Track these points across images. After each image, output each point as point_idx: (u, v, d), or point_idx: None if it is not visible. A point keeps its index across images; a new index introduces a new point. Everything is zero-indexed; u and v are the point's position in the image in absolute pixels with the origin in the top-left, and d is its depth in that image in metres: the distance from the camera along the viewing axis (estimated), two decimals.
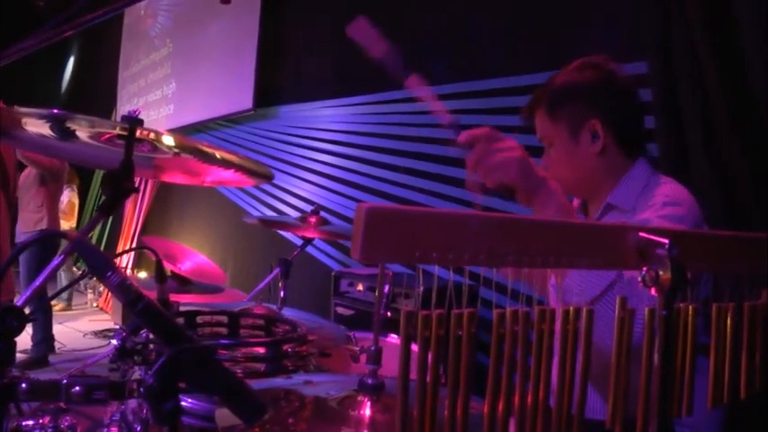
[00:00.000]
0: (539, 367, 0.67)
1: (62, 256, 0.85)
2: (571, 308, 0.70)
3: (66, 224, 6.72)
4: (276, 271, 2.28)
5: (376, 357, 0.81)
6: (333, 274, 3.31)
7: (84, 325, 5.93)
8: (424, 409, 0.58)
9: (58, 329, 4.89)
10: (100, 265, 0.56)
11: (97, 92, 9.04)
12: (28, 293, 0.81)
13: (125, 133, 0.95)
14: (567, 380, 0.70)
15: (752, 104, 1.88)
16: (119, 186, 0.90)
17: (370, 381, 0.82)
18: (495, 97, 3.12)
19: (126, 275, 0.57)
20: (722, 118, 1.99)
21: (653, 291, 0.72)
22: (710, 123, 2.02)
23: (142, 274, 6.23)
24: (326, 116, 4.44)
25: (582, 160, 1.34)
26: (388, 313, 2.30)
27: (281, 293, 2.15)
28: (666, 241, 0.70)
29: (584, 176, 1.36)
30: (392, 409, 0.83)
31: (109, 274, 0.56)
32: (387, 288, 2.27)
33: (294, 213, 4.64)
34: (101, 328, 5.74)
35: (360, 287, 3.19)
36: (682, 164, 2.07)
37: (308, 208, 4.54)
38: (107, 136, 0.96)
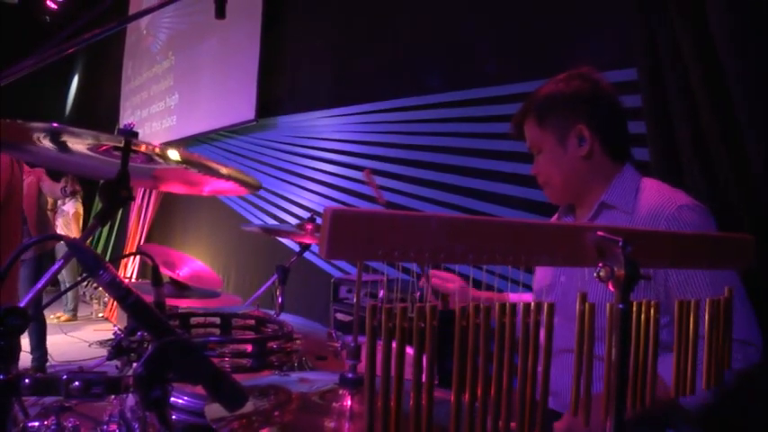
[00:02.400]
0: (501, 359, 0.73)
1: (61, 261, 0.91)
2: (532, 302, 0.76)
3: (69, 234, 6.82)
4: (274, 277, 2.34)
5: (355, 353, 0.87)
6: (332, 280, 3.37)
7: (88, 335, 6.00)
8: (389, 397, 0.64)
9: (63, 339, 4.97)
10: (92, 264, 0.62)
11: (101, 105, 9.17)
12: (30, 295, 0.87)
13: (121, 145, 1.01)
14: (529, 370, 0.75)
15: (732, 107, 1.93)
16: (115, 195, 0.96)
17: (350, 375, 0.87)
18: (489, 105, 3.18)
19: (116, 273, 0.63)
20: (709, 121, 2.04)
21: (610, 286, 0.78)
22: (699, 127, 2.07)
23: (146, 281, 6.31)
24: (326, 125, 4.51)
25: (570, 163, 1.41)
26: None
27: (279, 299, 2.20)
28: (620, 240, 0.75)
29: (572, 179, 1.42)
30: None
31: (101, 272, 0.62)
32: (381, 293, 2.31)
33: (295, 221, 4.70)
34: (106, 338, 5.80)
35: None
36: (674, 168, 2.12)
37: (307, 215, 4.62)
38: (104, 147, 1.02)
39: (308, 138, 4.69)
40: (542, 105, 1.42)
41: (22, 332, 0.86)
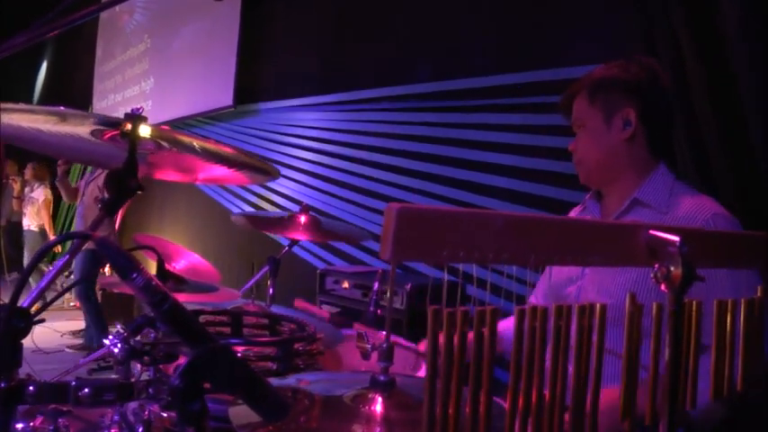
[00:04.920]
0: (556, 363, 0.69)
1: (67, 257, 0.84)
2: (587, 304, 0.72)
3: (40, 221, 6.63)
4: (265, 269, 2.27)
5: (388, 354, 0.82)
6: (318, 272, 3.30)
7: (60, 325, 5.82)
8: (448, 407, 0.59)
9: (34, 329, 4.83)
10: (124, 267, 0.56)
11: (73, 87, 8.89)
12: (34, 294, 0.80)
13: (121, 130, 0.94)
14: (582, 376, 0.71)
15: (736, 103, 1.92)
16: (123, 185, 0.89)
17: (381, 378, 0.82)
18: (477, 97, 3.15)
19: (151, 276, 0.56)
20: (706, 117, 2.03)
21: (663, 287, 0.74)
22: (696, 122, 2.06)
23: None
24: (308, 114, 4.42)
25: (609, 143, 1.39)
26: (378, 311, 2.30)
27: (270, 291, 2.14)
28: (677, 239, 0.71)
29: (608, 160, 1.41)
30: (404, 407, 0.83)
31: (134, 275, 0.55)
32: (376, 285, 2.26)
33: (275, 211, 4.62)
34: (78, 328, 5.65)
35: (345, 285, 3.19)
36: (669, 164, 2.11)
37: (289, 205, 4.54)
38: (110, 134, 0.94)
39: (291, 126, 4.60)
40: (597, 84, 1.41)
41: (26, 335, 0.79)
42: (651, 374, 0.78)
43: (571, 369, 0.70)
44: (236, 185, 5.06)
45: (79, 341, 5.42)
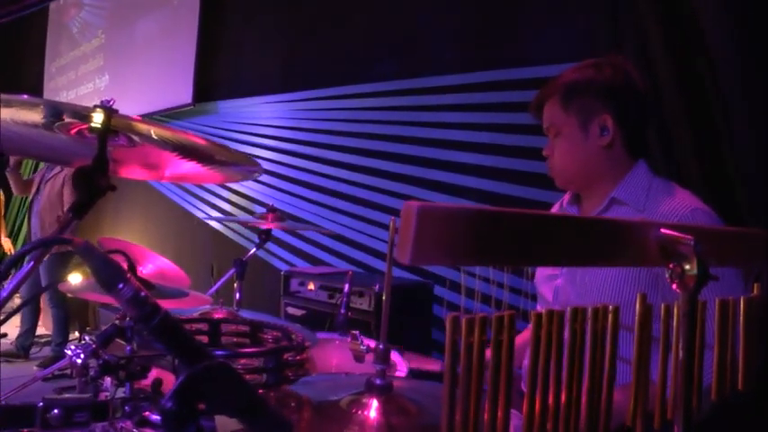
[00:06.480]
0: (572, 367, 0.65)
1: (31, 263, 0.76)
2: (600, 306, 0.68)
3: None
4: (231, 272, 2.20)
5: (384, 357, 0.77)
6: (282, 273, 3.23)
7: (11, 331, 5.54)
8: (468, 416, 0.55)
9: None
10: (109, 277, 0.49)
11: (21, 83, 8.50)
12: None
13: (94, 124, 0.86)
14: (596, 379, 0.68)
15: (706, 100, 1.94)
16: (92, 184, 0.81)
17: (378, 381, 0.77)
18: (441, 94, 3.12)
19: (140, 287, 0.50)
20: (676, 114, 2.05)
21: (674, 286, 0.71)
22: (664, 119, 2.07)
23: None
24: (268, 112, 4.33)
25: (587, 151, 1.37)
26: (349, 314, 2.24)
27: (237, 295, 2.07)
28: (691, 238, 0.69)
29: (587, 168, 1.39)
30: (402, 411, 0.79)
31: (121, 286, 0.49)
32: (346, 287, 2.21)
33: (235, 211, 4.52)
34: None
35: (311, 286, 3.12)
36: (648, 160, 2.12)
37: (250, 206, 4.44)
38: (76, 128, 0.87)
39: (252, 124, 4.50)
40: (570, 88, 1.37)
41: None
42: (660, 376, 0.76)
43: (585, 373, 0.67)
44: (193, 184, 4.93)
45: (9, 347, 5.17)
